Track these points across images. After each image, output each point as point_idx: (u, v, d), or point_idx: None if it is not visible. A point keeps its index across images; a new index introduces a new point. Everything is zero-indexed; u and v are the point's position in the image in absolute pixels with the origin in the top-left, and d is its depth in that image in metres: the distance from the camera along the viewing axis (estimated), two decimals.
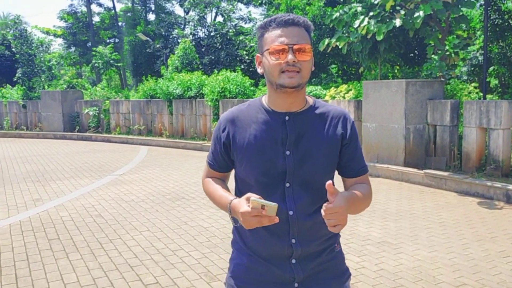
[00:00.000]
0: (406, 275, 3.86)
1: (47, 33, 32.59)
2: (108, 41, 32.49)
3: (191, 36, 20.48)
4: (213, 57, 19.28)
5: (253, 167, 1.56)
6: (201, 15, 20.70)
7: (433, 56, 8.24)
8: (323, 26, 13.88)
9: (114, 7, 31.37)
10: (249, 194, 1.43)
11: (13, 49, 20.65)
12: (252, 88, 14.16)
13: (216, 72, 14.80)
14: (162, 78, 15.31)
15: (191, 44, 18.22)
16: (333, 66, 16.70)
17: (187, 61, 17.55)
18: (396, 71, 11.75)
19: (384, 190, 7.14)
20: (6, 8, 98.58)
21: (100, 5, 32.15)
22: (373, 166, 8.45)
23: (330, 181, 1.36)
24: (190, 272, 3.98)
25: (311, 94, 11.93)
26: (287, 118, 1.56)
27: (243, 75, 14.42)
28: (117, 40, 31.25)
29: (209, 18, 23.32)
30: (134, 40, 22.55)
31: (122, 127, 15.36)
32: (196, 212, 5.89)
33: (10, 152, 12.67)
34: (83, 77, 33.35)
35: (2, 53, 23.18)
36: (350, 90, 10.86)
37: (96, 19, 33.52)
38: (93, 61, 20.77)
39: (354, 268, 4.03)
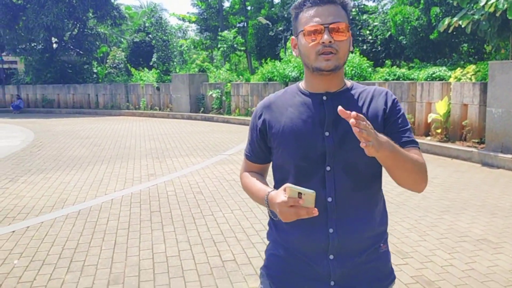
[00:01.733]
0: (498, 277, 3.47)
1: (183, 19, 34.93)
2: (238, 25, 33.69)
3: None
4: None
5: (291, 151, 1.49)
6: None
7: None
8: (451, 2, 12.73)
9: None
10: (286, 184, 1.33)
11: (150, 36, 22.55)
12: (370, 70, 13.65)
13: None
14: (280, 61, 15.49)
15: None
16: (464, 45, 15.28)
17: None
18: None
19: (502, 184, 6.41)
20: None
21: None
22: (495, 156, 7.62)
23: (340, 107, 1.22)
24: None
25: (433, 75, 11.10)
26: (324, 98, 1.48)
27: (361, 56, 13.95)
28: (244, 25, 32.24)
29: None
30: (257, 24, 23.09)
31: (241, 109, 15.96)
32: None
33: (141, 130, 14.00)
34: (214, 60, 35.23)
35: (143, 39, 25.44)
36: (479, 71, 9.85)
37: (227, 4, 34.94)
38: (219, 45, 21.80)
39: (441, 265, 3.73)
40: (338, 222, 1.46)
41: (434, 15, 13.23)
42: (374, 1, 23.61)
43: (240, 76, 17.51)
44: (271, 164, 1.65)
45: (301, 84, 1.57)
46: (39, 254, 4.09)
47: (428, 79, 10.98)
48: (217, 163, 8.21)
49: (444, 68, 11.47)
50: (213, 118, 16.30)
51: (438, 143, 9.14)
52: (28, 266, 3.82)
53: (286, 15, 22.31)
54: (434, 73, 11.13)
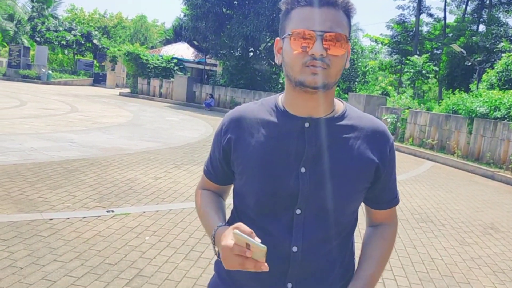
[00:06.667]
0: None
1: (375, 41, 34.57)
2: (434, 51, 31.95)
3: None
4: None
5: (256, 184, 1.22)
6: None
7: None
8: None
9: (444, 17, 30.49)
10: (237, 224, 1.07)
11: None
12: None
13: None
14: (468, 94, 14.11)
15: None
16: None
17: (505, 78, 15.56)
18: None
19: None
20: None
21: (430, 15, 31.86)
22: None
23: None
24: None
25: None
26: (307, 125, 1.20)
27: None
28: (441, 51, 30.38)
29: None
30: (452, 51, 21.46)
31: (415, 138, 14.98)
32: (434, 239, 5.30)
33: None
34: (403, 85, 33.99)
35: None
36: None
37: (425, 29, 33.41)
38: (405, 70, 20.90)
39: None
40: (299, 277, 1.21)
41: None
42: None
43: (421, 104, 16.48)
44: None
45: (281, 99, 1.27)
46: (168, 236, 4.42)
47: None
48: None
49: None
50: None
51: None
52: (155, 245, 4.16)
53: (487, 46, 20.26)
54: None
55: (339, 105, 1.28)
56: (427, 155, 13.44)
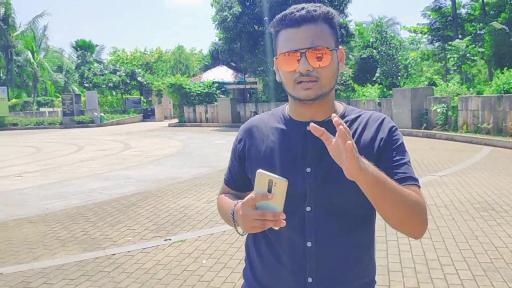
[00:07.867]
0: None
1: (414, 31, 33.75)
2: (478, 32, 30.72)
3: None
4: None
5: None
6: None
7: None
8: None
9: None
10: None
11: (374, 50, 22.49)
12: None
13: None
14: None
15: None
16: None
17: None
18: None
19: None
20: (382, 12, 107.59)
21: None
22: None
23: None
24: None
25: None
26: (308, 128, 1.27)
27: None
28: (482, 32, 29.15)
29: None
30: (495, 29, 20.53)
31: (469, 125, 14.41)
32: (497, 227, 5.08)
33: None
34: (451, 72, 32.82)
35: (370, 55, 25.54)
36: None
37: (463, 11, 32.25)
38: (448, 56, 20.21)
39: None
40: (318, 271, 1.29)
41: None
42: None
43: (471, 89, 15.84)
44: None
45: (287, 108, 1.41)
46: (224, 257, 4.53)
47: None
48: (424, 185, 7.59)
49: None
50: (436, 135, 15.14)
51: None
52: (212, 267, 4.27)
53: None
54: None
55: (339, 108, 1.39)
56: (484, 140, 12.89)
